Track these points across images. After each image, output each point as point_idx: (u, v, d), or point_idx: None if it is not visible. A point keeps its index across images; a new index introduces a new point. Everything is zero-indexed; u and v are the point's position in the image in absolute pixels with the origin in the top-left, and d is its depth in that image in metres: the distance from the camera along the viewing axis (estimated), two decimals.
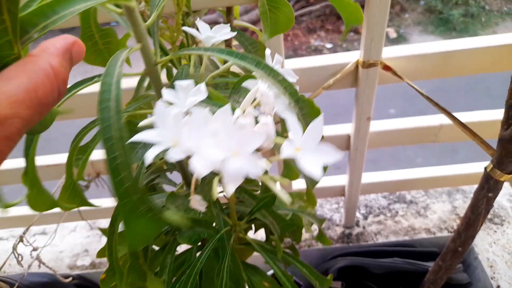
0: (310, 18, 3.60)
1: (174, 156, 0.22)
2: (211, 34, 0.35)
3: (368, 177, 0.86)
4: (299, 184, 0.83)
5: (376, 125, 0.73)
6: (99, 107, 0.20)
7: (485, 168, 0.52)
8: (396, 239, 0.84)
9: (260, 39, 0.56)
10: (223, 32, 0.35)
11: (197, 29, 0.35)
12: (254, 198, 0.37)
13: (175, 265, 0.44)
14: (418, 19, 3.51)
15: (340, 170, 0.83)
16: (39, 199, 0.30)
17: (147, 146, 0.34)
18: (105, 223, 0.97)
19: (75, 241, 0.95)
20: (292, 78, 0.30)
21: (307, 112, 0.29)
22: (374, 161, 1.97)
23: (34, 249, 0.66)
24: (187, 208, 0.36)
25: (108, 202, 0.86)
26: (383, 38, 0.54)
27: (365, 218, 0.90)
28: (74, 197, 0.36)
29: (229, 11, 0.54)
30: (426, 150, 2.07)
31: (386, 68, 0.59)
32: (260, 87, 0.27)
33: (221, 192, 0.51)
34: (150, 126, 0.25)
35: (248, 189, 0.39)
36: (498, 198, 0.86)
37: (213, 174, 0.25)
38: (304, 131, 0.24)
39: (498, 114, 0.70)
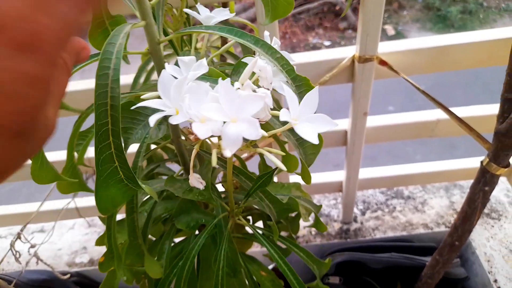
0: (308, 16, 3.59)
1: (176, 121, 0.23)
2: (212, 14, 0.36)
3: (365, 173, 0.87)
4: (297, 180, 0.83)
5: (373, 121, 0.73)
6: (97, 74, 0.20)
7: (481, 162, 0.52)
8: (394, 234, 0.85)
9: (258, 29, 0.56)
10: (223, 14, 0.37)
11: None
12: (251, 180, 0.38)
13: (173, 254, 0.44)
14: (416, 16, 3.50)
15: (339, 167, 0.83)
16: (43, 172, 0.31)
17: (146, 127, 0.35)
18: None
19: (73, 239, 0.95)
20: (290, 61, 0.30)
21: (304, 90, 0.29)
22: (372, 157, 1.97)
23: (32, 246, 0.66)
24: (186, 190, 0.37)
25: None
26: (379, 32, 0.54)
27: (363, 213, 0.90)
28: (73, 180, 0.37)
29: (224, 7, 0.54)
30: (425, 146, 2.07)
31: (382, 63, 0.59)
32: (258, 61, 0.28)
33: (219, 182, 0.52)
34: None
35: (246, 171, 0.39)
36: (495, 193, 0.86)
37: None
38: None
39: (494, 108, 0.70)
